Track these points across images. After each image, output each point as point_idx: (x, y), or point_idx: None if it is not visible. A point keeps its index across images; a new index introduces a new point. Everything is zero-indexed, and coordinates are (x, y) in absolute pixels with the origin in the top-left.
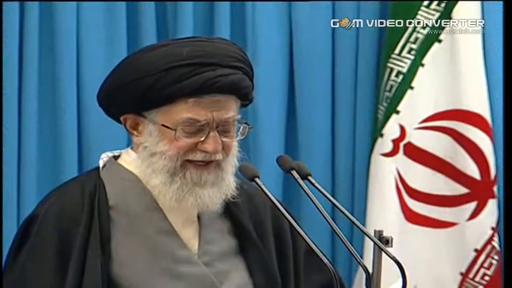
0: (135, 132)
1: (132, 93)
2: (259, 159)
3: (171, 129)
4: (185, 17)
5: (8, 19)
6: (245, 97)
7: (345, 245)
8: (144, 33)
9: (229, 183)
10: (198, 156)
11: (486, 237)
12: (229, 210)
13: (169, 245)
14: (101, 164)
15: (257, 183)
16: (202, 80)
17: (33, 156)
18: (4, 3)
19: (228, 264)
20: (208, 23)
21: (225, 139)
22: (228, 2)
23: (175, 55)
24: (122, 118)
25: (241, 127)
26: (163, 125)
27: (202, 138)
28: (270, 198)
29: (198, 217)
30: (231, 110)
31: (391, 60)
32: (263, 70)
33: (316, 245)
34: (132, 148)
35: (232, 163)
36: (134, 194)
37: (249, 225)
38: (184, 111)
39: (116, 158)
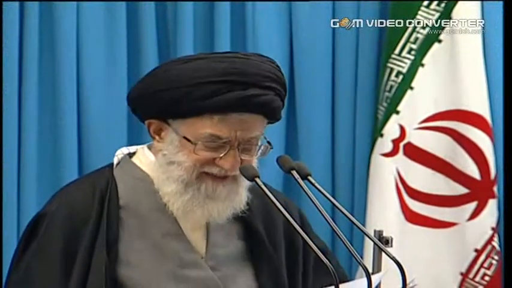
0: (157, 137)
1: (161, 102)
2: (260, 159)
3: (191, 142)
4: (185, 17)
5: (8, 19)
6: (273, 117)
7: (345, 245)
8: (144, 33)
9: (241, 197)
10: (214, 170)
11: (486, 237)
12: (240, 213)
13: (176, 248)
14: (115, 161)
15: (257, 183)
16: (231, 99)
17: (33, 156)
18: (4, 3)
19: (235, 268)
20: (208, 23)
21: (244, 157)
22: (228, 2)
23: (208, 70)
24: (146, 122)
25: (262, 146)
26: (184, 137)
27: (221, 155)
28: (270, 199)
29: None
30: (256, 129)
31: (391, 60)
32: None
33: (319, 247)
34: (148, 147)
35: None
36: (145, 195)
37: (261, 228)
38: (208, 126)
39: (131, 155)
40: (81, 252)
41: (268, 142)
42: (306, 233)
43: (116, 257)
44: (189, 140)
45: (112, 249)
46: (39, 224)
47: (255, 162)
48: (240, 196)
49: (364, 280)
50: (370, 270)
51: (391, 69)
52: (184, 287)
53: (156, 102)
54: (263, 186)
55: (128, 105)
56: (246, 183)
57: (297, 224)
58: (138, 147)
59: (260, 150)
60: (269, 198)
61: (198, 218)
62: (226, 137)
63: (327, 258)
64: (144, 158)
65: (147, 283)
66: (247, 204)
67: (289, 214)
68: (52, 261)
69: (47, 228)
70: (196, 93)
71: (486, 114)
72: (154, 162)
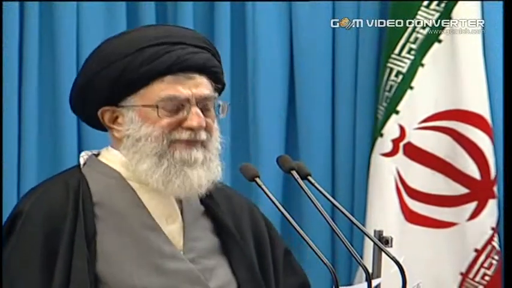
0: (115, 126)
1: (105, 83)
2: (259, 159)
3: (152, 107)
4: (185, 17)
5: (8, 19)
6: (216, 79)
7: (345, 245)
8: None
9: (216, 166)
10: (184, 135)
11: (486, 237)
12: (210, 209)
13: (155, 241)
14: (81, 161)
15: (257, 183)
16: (174, 57)
17: (33, 156)
18: (4, 3)
19: (213, 261)
20: (208, 23)
21: (206, 116)
22: (228, 2)
23: (142, 38)
24: (99, 113)
25: (221, 105)
26: (143, 106)
27: (184, 115)
28: (270, 199)
29: (182, 215)
30: (207, 88)
31: (391, 60)
32: (263, 70)
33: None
34: (112, 146)
35: (216, 146)
36: (118, 191)
37: (230, 223)
38: (162, 89)
39: (95, 156)
40: (62, 251)
41: (224, 101)
42: (271, 236)
43: (95, 253)
44: (149, 106)
45: (90, 246)
46: (14, 223)
47: (216, 128)
48: (214, 163)
49: (364, 285)
50: (370, 270)
51: (391, 69)
52: (166, 279)
53: (101, 86)
54: (263, 186)
55: (72, 110)
56: (216, 152)
57: (267, 229)
58: (101, 149)
59: (220, 109)
60: (269, 198)
61: (178, 189)
62: (184, 95)
63: (290, 259)
64: (111, 156)
65: (129, 277)
66: (216, 202)
67: (255, 219)
68: (32, 260)
69: (24, 228)
70: (137, 61)
71: (486, 114)
72: (121, 152)
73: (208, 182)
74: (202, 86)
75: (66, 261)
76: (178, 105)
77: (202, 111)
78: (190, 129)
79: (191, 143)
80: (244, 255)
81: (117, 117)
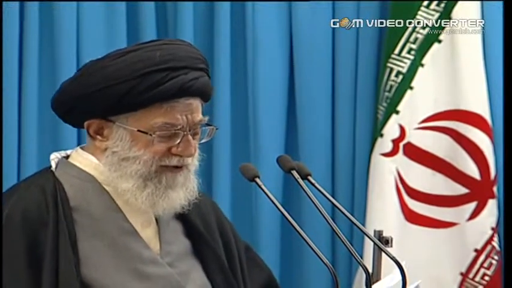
0: (99, 137)
1: (103, 100)
2: (259, 159)
3: (147, 134)
4: (185, 17)
5: (8, 19)
6: (207, 99)
7: (345, 245)
8: (144, 33)
9: (194, 184)
10: (173, 161)
11: (486, 237)
12: (180, 212)
13: (134, 246)
14: (53, 164)
15: (257, 184)
16: (178, 84)
17: (33, 156)
18: (4, 3)
19: (187, 264)
20: (208, 23)
21: (195, 142)
22: (228, 2)
23: (148, 60)
24: (85, 124)
25: (209, 129)
26: (139, 130)
27: (176, 142)
28: (270, 199)
29: (155, 218)
30: (200, 112)
31: (391, 60)
32: (263, 70)
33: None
34: (82, 148)
35: (196, 164)
36: (94, 195)
37: (200, 225)
38: (159, 115)
39: (65, 158)
40: (48, 257)
41: (208, 124)
42: (233, 233)
43: (78, 259)
44: (144, 132)
45: (74, 251)
46: None
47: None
48: (193, 183)
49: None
50: (370, 271)
51: (391, 69)
52: (147, 284)
53: (97, 102)
54: (263, 186)
55: (53, 110)
56: (194, 170)
57: (230, 225)
58: (69, 151)
59: (207, 133)
60: (269, 198)
61: (161, 211)
62: (180, 123)
63: (252, 254)
64: (83, 159)
65: (111, 282)
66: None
67: (219, 218)
68: (16, 266)
69: (5, 232)
70: (141, 85)
71: (486, 114)
72: (100, 163)
73: (185, 202)
74: (197, 111)
75: (52, 267)
76: (173, 132)
77: (193, 135)
78: (180, 155)
79: (178, 168)
80: (216, 257)
81: (102, 129)
